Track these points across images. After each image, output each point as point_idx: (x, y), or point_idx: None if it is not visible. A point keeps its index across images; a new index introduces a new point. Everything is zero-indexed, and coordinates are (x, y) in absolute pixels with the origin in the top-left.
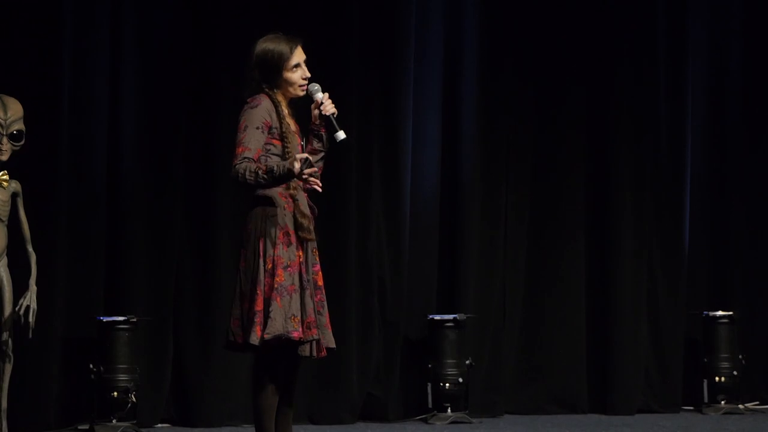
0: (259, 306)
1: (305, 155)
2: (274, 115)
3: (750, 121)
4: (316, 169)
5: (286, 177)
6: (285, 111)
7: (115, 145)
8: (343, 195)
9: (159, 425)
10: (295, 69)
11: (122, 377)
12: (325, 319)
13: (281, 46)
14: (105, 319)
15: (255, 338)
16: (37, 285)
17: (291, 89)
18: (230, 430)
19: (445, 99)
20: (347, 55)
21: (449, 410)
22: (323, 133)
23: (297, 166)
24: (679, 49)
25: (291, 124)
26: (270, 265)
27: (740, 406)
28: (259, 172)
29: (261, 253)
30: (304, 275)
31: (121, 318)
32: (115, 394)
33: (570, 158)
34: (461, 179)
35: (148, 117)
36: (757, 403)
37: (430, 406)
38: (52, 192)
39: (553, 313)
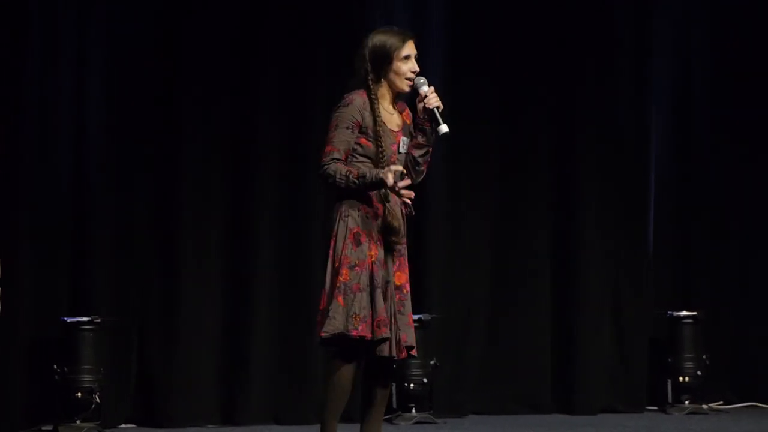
0: (323, 304)
1: (400, 168)
2: (366, 114)
3: (715, 122)
4: (409, 181)
5: (378, 185)
6: (384, 107)
7: (80, 146)
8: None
9: (123, 426)
10: (405, 60)
11: (86, 378)
12: (407, 318)
13: (394, 37)
14: (69, 320)
15: (317, 336)
16: (1, 286)
17: (398, 81)
18: (195, 431)
19: (409, 99)
20: (314, 56)
21: (414, 410)
22: (427, 127)
23: (390, 178)
24: (644, 51)
25: (390, 122)
26: (337, 264)
27: (704, 406)
28: (350, 176)
29: (331, 252)
30: (377, 274)
31: (85, 318)
32: (80, 394)
33: (535, 159)
34: (424, 179)
35: (114, 118)
36: (721, 403)
37: (394, 406)
38: (16, 193)
39: (517, 313)
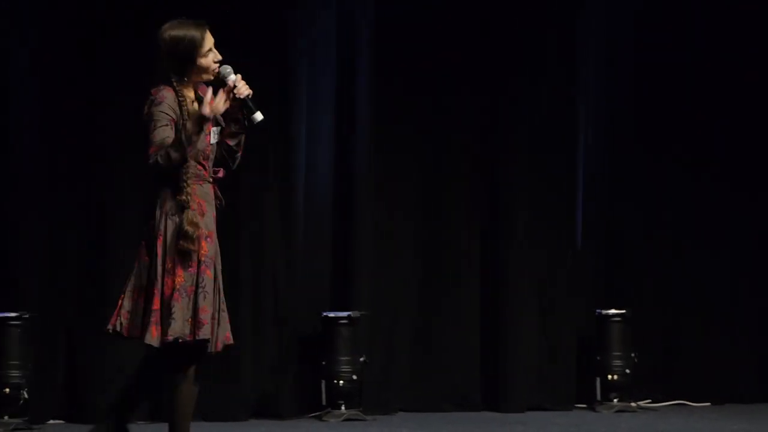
0: (156, 305)
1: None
2: (178, 111)
3: (642, 121)
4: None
5: (197, 122)
6: (191, 104)
7: (5, 144)
8: (236, 192)
9: (52, 421)
10: (208, 54)
11: (14, 374)
12: (227, 314)
13: (191, 32)
14: None
15: (150, 338)
16: None
17: (204, 75)
18: None
19: (339, 101)
20: (238, 56)
21: (343, 407)
22: (240, 117)
23: (207, 109)
24: (570, 54)
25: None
26: (170, 264)
27: (632, 404)
28: (168, 147)
29: (159, 252)
30: (203, 274)
31: (13, 314)
32: (7, 390)
33: (464, 157)
34: (354, 178)
35: (39, 113)
36: (649, 401)
37: (324, 403)
38: None
39: (446, 310)
